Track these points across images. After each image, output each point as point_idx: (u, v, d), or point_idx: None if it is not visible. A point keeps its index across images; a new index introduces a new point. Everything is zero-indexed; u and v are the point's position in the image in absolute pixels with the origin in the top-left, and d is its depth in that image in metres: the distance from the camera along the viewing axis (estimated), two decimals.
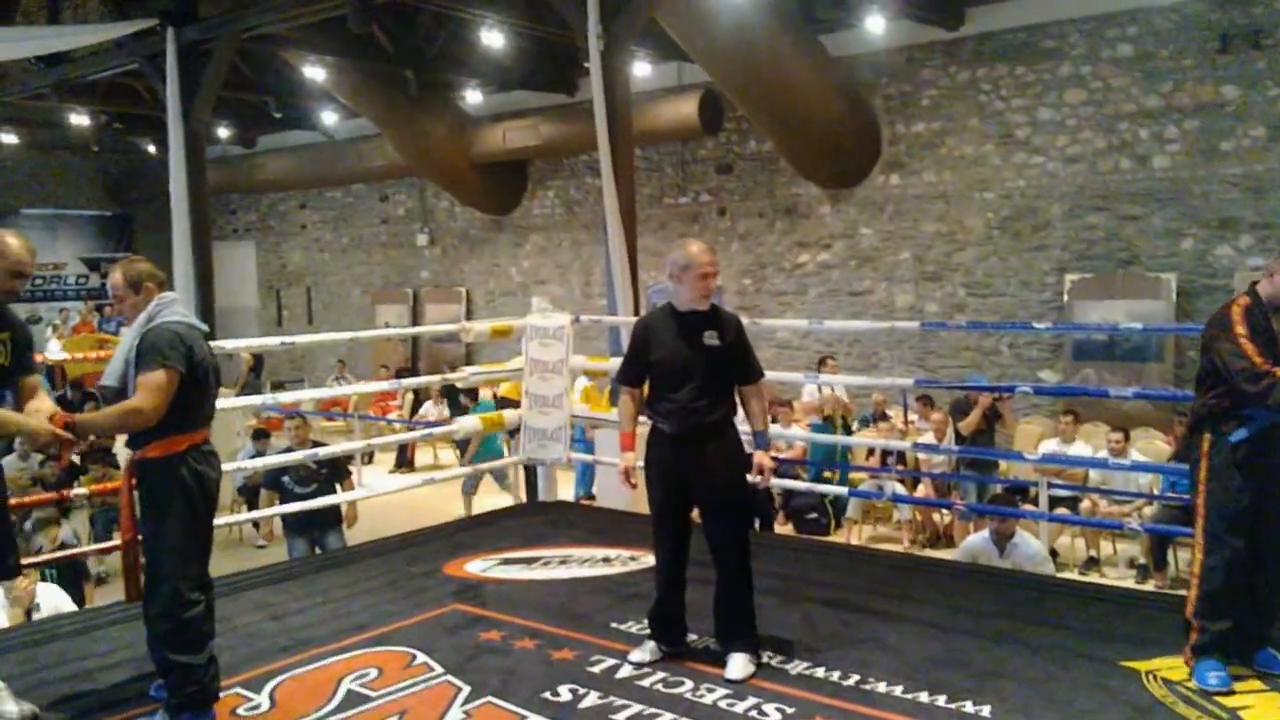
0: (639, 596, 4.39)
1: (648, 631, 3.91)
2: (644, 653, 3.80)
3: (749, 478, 3.89)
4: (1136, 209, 9.45)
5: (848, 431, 9.00)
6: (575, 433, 6.77)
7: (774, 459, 5.78)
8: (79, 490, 5.88)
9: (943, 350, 10.60)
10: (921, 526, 8.20)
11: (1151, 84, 9.25)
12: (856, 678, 3.59)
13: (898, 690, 3.48)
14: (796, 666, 3.72)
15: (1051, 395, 9.49)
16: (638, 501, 5.18)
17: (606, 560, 5.19)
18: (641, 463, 3.98)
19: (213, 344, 3.84)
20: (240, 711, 3.45)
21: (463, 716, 3.37)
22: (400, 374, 13.14)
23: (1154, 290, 9.20)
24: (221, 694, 3.43)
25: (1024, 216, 10.07)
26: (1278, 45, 8.65)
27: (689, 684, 3.58)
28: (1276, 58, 8.65)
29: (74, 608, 5.30)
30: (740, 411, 3.87)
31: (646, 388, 3.91)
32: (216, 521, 3.51)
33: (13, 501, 5.94)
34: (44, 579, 5.78)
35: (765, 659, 3.75)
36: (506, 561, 5.20)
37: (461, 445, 10.91)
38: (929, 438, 8.14)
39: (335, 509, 6.54)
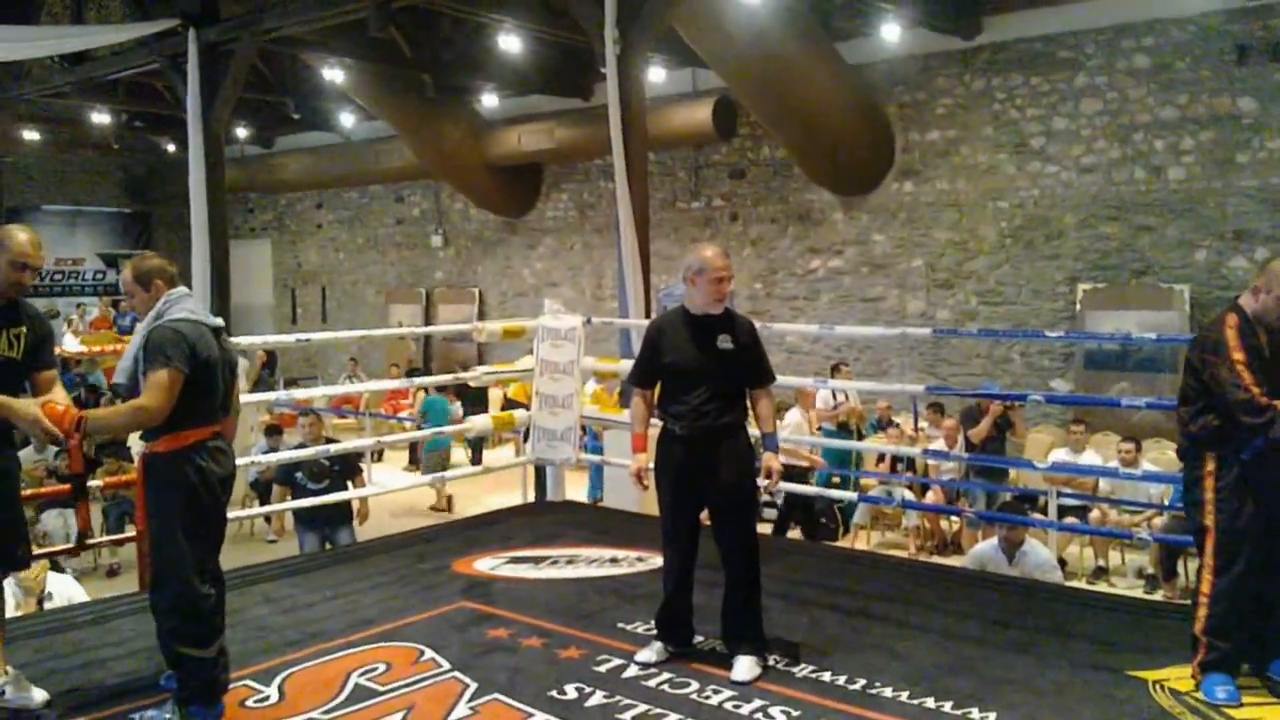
0: (646, 597, 4.41)
1: (655, 632, 3.92)
2: (651, 653, 3.82)
3: (759, 480, 3.91)
4: (1151, 219, 9.42)
5: (859, 437, 9.00)
6: (587, 437, 6.80)
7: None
8: (93, 482, 5.93)
9: (954, 358, 10.59)
10: (930, 534, 8.19)
11: (1168, 95, 9.23)
12: (863, 682, 3.60)
13: (904, 696, 3.48)
14: (802, 670, 3.72)
15: (1062, 404, 9.47)
16: (646, 503, 5.22)
17: (614, 560, 5.21)
18: (652, 464, 4.00)
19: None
20: (249, 703, 3.48)
21: (469, 712, 3.39)
22: (411, 373, 13.20)
23: (1167, 301, 9.16)
24: (231, 685, 3.46)
25: (1037, 226, 10.06)
26: None
27: (695, 685, 3.60)
28: None
29: (86, 597, 5.35)
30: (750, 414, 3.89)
31: (658, 390, 3.93)
32: (229, 515, 3.54)
33: (27, 493, 6.02)
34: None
35: (771, 662, 3.76)
36: (514, 560, 5.22)
37: (473, 443, 11.00)
38: (939, 445, 8.13)
39: (346, 505, 6.59)
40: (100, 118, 14.99)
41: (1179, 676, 3.59)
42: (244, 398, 5.62)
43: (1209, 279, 9.11)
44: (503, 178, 14.15)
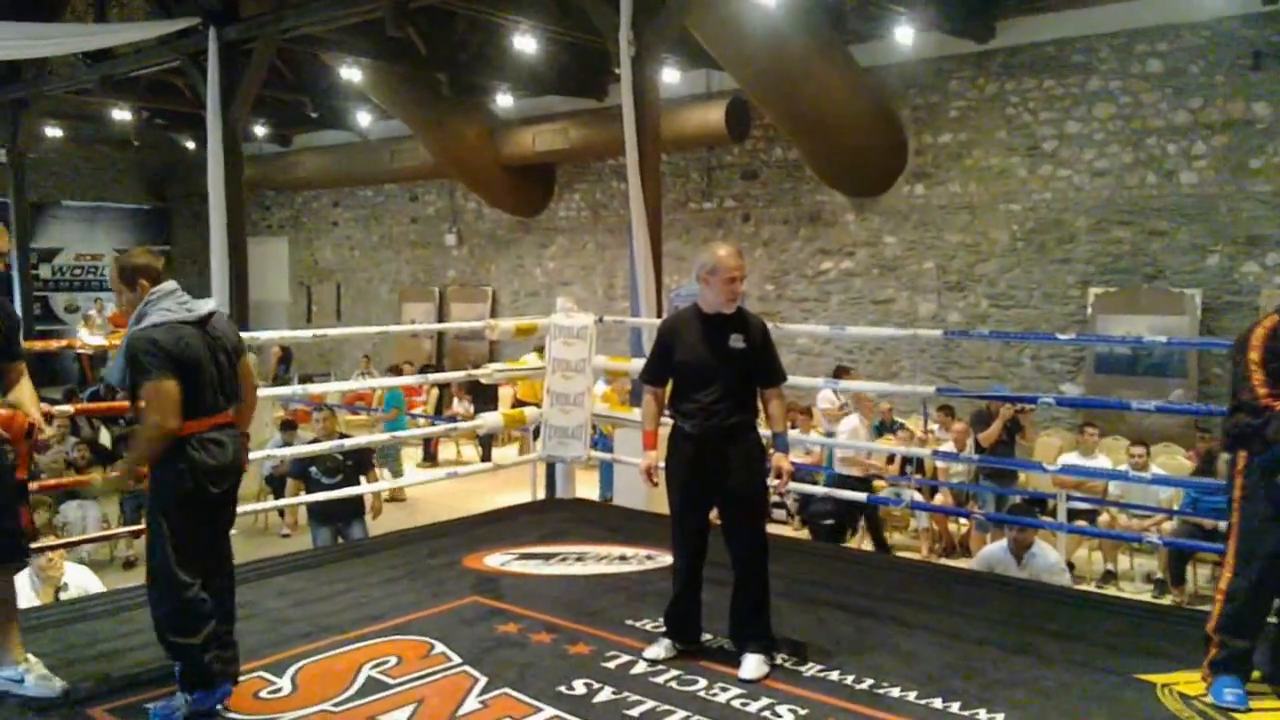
0: (655, 594, 4.43)
1: (663, 629, 3.95)
2: (659, 650, 3.84)
3: (769, 480, 3.94)
4: (1163, 224, 9.40)
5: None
6: (597, 436, 6.81)
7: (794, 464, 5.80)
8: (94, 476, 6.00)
9: (964, 360, 10.58)
10: (938, 536, 8.19)
11: (1181, 100, 9.21)
12: (870, 682, 3.61)
13: (911, 696, 3.50)
14: (810, 669, 3.74)
15: (1072, 407, 9.45)
16: (655, 501, 5.25)
17: (623, 558, 5.24)
18: (662, 462, 4.03)
19: (244, 335, 3.89)
20: (262, 695, 3.52)
21: (479, 706, 3.43)
22: (424, 370, 13.27)
23: (1179, 306, 9.14)
24: (244, 677, 3.51)
25: (1049, 229, 10.04)
26: None
27: (703, 682, 3.62)
28: None
29: (102, 588, 5.42)
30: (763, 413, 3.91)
31: (669, 388, 3.95)
32: (242, 509, 3.54)
33: (49, 484, 6.09)
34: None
35: (779, 661, 3.78)
36: (525, 556, 5.26)
37: (484, 441, 11.05)
38: (949, 448, 8.13)
39: (359, 500, 6.65)
40: (121, 114, 15.12)
41: (1188, 681, 3.59)
42: (260, 392, 5.69)
43: (1221, 284, 9.08)
44: (516, 177, 14.22)
